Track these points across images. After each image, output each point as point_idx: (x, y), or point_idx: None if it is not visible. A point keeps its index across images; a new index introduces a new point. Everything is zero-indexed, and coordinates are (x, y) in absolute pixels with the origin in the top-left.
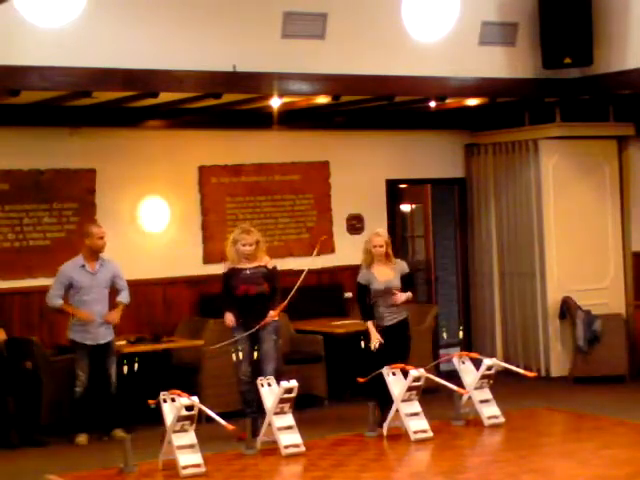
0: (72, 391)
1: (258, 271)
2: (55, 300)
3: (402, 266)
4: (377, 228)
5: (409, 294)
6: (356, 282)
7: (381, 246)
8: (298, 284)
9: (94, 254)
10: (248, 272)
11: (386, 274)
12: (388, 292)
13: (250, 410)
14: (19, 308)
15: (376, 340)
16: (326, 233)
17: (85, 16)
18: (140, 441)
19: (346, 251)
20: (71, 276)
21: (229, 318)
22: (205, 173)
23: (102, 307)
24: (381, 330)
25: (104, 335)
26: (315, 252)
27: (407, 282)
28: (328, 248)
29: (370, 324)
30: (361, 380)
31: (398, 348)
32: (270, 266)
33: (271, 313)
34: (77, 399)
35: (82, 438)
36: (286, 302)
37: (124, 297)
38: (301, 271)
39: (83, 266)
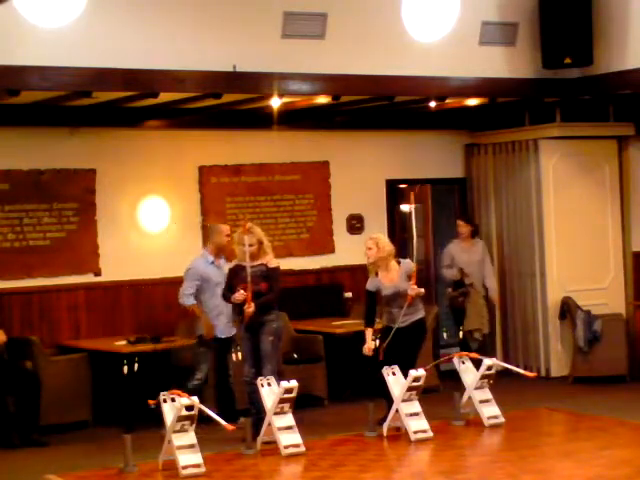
0: (184, 386)
1: (258, 270)
2: (187, 299)
3: (408, 266)
4: (376, 232)
5: (421, 289)
6: (365, 290)
7: (370, 249)
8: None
9: (220, 251)
10: (248, 271)
11: (391, 278)
12: (398, 295)
13: (255, 411)
14: (19, 308)
15: (367, 348)
16: (326, 233)
17: (85, 16)
18: (140, 441)
19: (346, 251)
20: (204, 273)
21: (239, 294)
22: (205, 173)
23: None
24: (394, 331)
25: (230, 329)
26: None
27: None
28: (328, 248)
29: (368, 331)
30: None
31: (406, 351)
32: (271, 265)
33: (249, 304)
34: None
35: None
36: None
37: None
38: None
39: (212, 262)
